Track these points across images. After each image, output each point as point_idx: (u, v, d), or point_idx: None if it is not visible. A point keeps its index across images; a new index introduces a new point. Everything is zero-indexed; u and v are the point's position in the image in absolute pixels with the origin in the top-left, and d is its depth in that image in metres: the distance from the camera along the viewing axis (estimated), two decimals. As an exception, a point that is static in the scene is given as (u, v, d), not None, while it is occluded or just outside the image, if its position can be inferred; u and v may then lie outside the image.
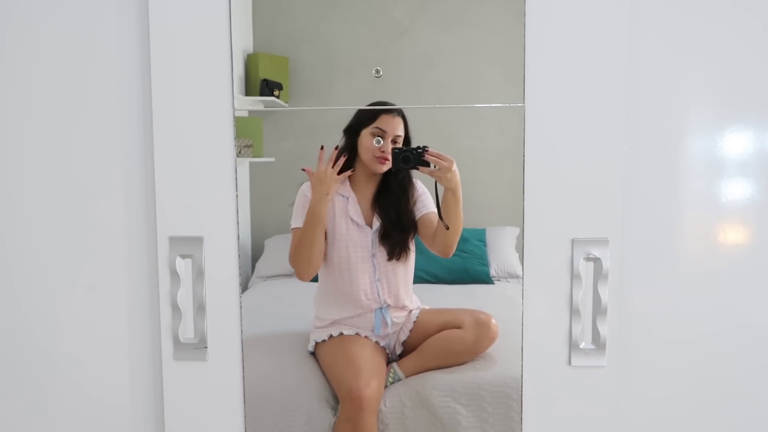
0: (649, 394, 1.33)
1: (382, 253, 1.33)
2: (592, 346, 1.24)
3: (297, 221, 1.34)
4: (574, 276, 1.23)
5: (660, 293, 1.30)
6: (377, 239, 1.33)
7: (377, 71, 1.28)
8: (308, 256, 1.33)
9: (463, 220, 1.29)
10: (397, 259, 1.34)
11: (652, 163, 1.27)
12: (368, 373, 1.31)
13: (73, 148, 1.32)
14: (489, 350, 1.33)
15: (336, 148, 1.31)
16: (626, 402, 1.31)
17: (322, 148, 1.30)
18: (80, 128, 1.31)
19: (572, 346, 1.24)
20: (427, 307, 1.37)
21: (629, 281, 1.28)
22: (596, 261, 1.22)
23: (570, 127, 1.20)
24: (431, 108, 1.28)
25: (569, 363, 1.25)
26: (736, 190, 1.28)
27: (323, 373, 1.35)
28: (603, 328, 1.23)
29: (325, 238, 1.34)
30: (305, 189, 1.33)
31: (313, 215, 1.32)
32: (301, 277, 1.34)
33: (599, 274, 1.22)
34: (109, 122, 1.31)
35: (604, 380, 1.25)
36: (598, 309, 1.23)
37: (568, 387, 1.26)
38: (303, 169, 1.30)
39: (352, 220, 1.33)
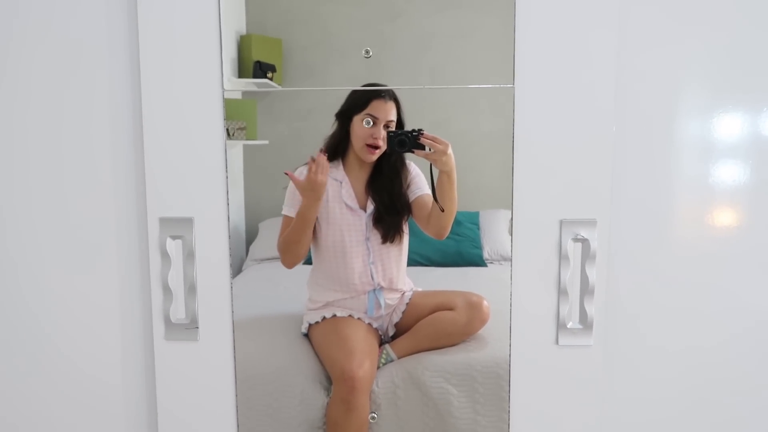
0: (636, 373, 1.35)
1: (376, 236, 1.34)
2: (580, 326, 1.25)
3: (289, 209, 1.34)
4: (562, 257, 1.24)
5: (648, 274, 1.32)
6: (371, 222, 1.34)
7: (367, 51, 1.28)
8: (295, 252, 1.35)
9: (457, 202, 1.29)
10: (391, 242, 1.34)
11: (642, 145, 1.28)
12: (361, 354, 1.32)
13: (62, 129, 1.32)
14: (481, 332, 1.34)
15: (323, 149, 1.32)
16: (613, 381, 1.34)
17: (313, 160, 1.30)
18: (69, 109, 1.31)
19: (560, 325, 1.26)
20: (420, 290, 1.38)
21: (617, 262, 1.30)
22: (584, 242, 1.23)
23: (559, 108, 1.21)
24: (425, 91, 1.28)
25: (557, 342, 1.27)
26: (726, 172, 1.29)
27: (316, 355, 1.36)
28: (590, 308, 1.24)
29: (318, 222, 1.35)
30: (299, 174, 1.33)
31: (303, 219, 1.33)
32: (286, 266, 1.35)
33: (587, 254, 1.23)
34: (98, 103, 1.31)
35: (591, 359, 1.27)
36: (586, 289, 1.24)
37: (556, 366, 1.27)
38: (286, 173, 1.31)
39: (346, 204, 1.34)
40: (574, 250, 1.24)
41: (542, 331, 1.27)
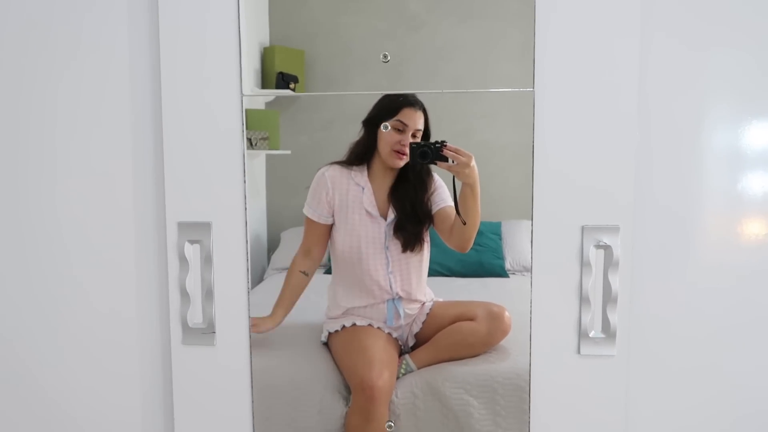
0: (659, 384, 1.31)
1: (395, 245, 1.33)
2: (602, 335, 1.23)
3: (309, 210, 1.35)
4: (584, 264, 1.21)
5: (672, 282, 1.28)
6: (391, 231, 1.33)
7: (385, 56, 1.28)
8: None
9: (480, 215, 1.28)
10: (411, 251, 1.33)
11: (667, 151, 1.25)
12: (380, 364, 1.31)
13: (83, 135, 1.35)
14: (502, 342, 1.32)
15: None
16: (636, 391, 1.30)
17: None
18: (91, 115, 1.34)
19: (582, 334, 1.23)
20: (440, 300, 1.36)
21: (640, 269, 1.27)
22: (607, 249, 1.21)
23: (580, 110, 1.19)
24: (447, 101, 1.27)
25: (578, 352, 1.24)
26: (754, 180, 1.26)
27: (336, 364, 1.35)
28: (613, 317, 1.21)
29: (335, 227, 1.35)
30: (321, 175, 1.34)
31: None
32: None
33: (609, 262, 1.21)
34: (118, 108, 1.33)
35: (613, 369, 1.23)
36: (609, 298, 1.21)
37: (577, 376, 1.24)
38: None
39: (366, 211, 1.33)
40: (596, 257, 1.21)
41: (564, 340, 1.24)
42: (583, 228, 1.21)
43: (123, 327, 1.39)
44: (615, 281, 1.21)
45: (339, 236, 1.34)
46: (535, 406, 1.27)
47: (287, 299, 1.36)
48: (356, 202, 1.33)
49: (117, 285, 1.38)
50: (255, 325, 1.32)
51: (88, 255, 1.38)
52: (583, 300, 1.22)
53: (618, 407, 1.24)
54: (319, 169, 1.33)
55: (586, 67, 1.18)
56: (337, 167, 1.34)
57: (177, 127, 1.28)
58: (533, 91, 1.20)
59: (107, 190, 1.36)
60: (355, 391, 1.31)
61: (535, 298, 1.24)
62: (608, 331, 1.22)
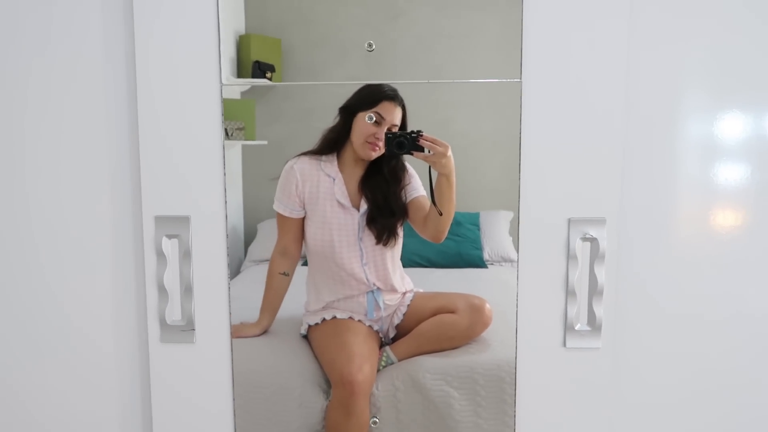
0: (644, 376, 1.33)
1: (369, 236, 1.31)
2: (588, 328, 1.24)
3: (279, 205, 1.33)
4: (570, 256, 1.22)
5: (655, 275, 1.30)
6: (364, 222, 1.32)
7: (369, 45, 1.26)
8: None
9: (455, 205, 1.28)
10: (384, 244, 1.32)
11: (649, 145, 1.26)
12: (360, 358, 1.30)
13: (58, 128, 1.31)
14: (482, 334, 1.32)
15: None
16: (621, 383, 1.32)
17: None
18: (66, 108, 1.30)
19: (567, 327, 1.24)
20: (421, 291, 1.36)
21: (626, 262, 1.28)
22: (593, 241, 1.21)
23: (567, 102, 1.19)
24: (426, 91, 1.26)
25: (564, 345, 1.25)
26: (734, 172, 1.28)
27: (316, 357, 1.34)
28: (599, 310, 1.22)
29: (307, 219, 1.33)
30: (290, 168, 1.31)
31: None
32: None
33: (596, 254, 1.21)
34: (94, 101, 1.29)
35: (599, 362, 1.25)
36: (594, 290, 1.22)
37: (563, 369, 1.25)
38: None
39: (338, 201, 1.32)
40: (582, 249, 1.22)
41: (549, 333, 1.25)
42: (569, 221, 1.22)
43: (99, 325, 1.35)
44: (601, 274, 1.21)
45: (311, 229, 1.32)
46: (521, 399, 1.27)
47: (271, 304, 1.34)
48: (327, 193, 1.31)
49: (93, 282, 1.34)
50: (241, 331, 1.30)
51: (62, 251, 1.34)
52: (569, 293, 1.23)
53: (604, 399, 1.26)
54: (287, 161, 1.31)
55: (574, 59, 1.18)
56: (305, 159, 1.31)
57: (153, 118, 1.24)
58: (521, 81, 1.20)
59: (82, 185, 1.32)
60: (335, 385, 1.30)
61: (521, 292, 1.24)
62: (594, 324, 1.23)
